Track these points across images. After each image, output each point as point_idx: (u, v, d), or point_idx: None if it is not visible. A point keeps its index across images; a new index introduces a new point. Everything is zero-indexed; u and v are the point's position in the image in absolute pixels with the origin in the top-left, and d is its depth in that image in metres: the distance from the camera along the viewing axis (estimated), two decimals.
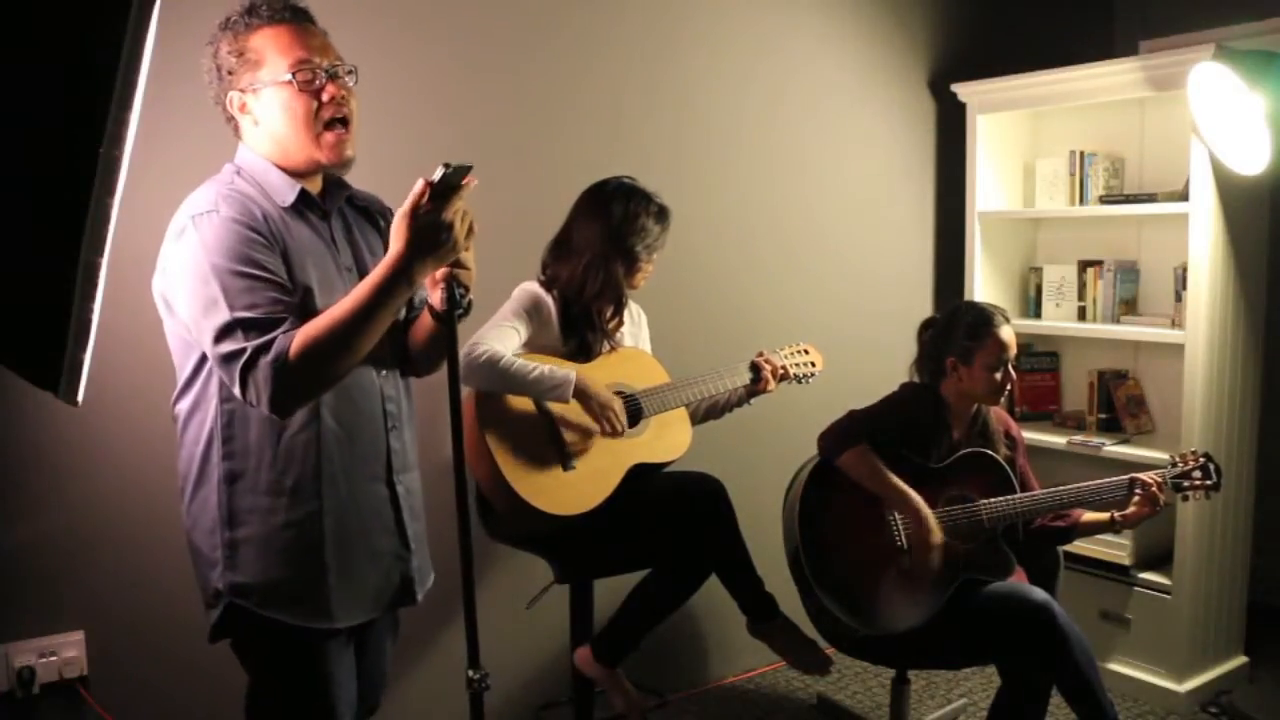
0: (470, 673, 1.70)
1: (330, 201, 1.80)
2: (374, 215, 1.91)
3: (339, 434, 1.72)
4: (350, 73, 1.73)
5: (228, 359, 1.57)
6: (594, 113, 3.08)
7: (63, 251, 1.12)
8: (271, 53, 1.67)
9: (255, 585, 1.70)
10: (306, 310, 1.65)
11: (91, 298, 1.18)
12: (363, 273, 1.76)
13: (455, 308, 1.64)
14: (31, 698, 2.32)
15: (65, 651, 2.36)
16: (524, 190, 2.94)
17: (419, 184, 1.57)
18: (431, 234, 1.57)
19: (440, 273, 1.65)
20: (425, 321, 1.83)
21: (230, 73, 1.69)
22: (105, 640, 2.41)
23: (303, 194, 1.73)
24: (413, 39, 2.76)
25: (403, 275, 1.58)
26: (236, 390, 1.58)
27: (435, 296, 1.69)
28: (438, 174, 1.55)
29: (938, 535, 2.49)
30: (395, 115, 2.73)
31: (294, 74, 1.66)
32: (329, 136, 1.70)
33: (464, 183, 1.59)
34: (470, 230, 1.64)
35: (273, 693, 1.79)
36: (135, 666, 2.44)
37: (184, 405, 1.74)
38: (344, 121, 1.71)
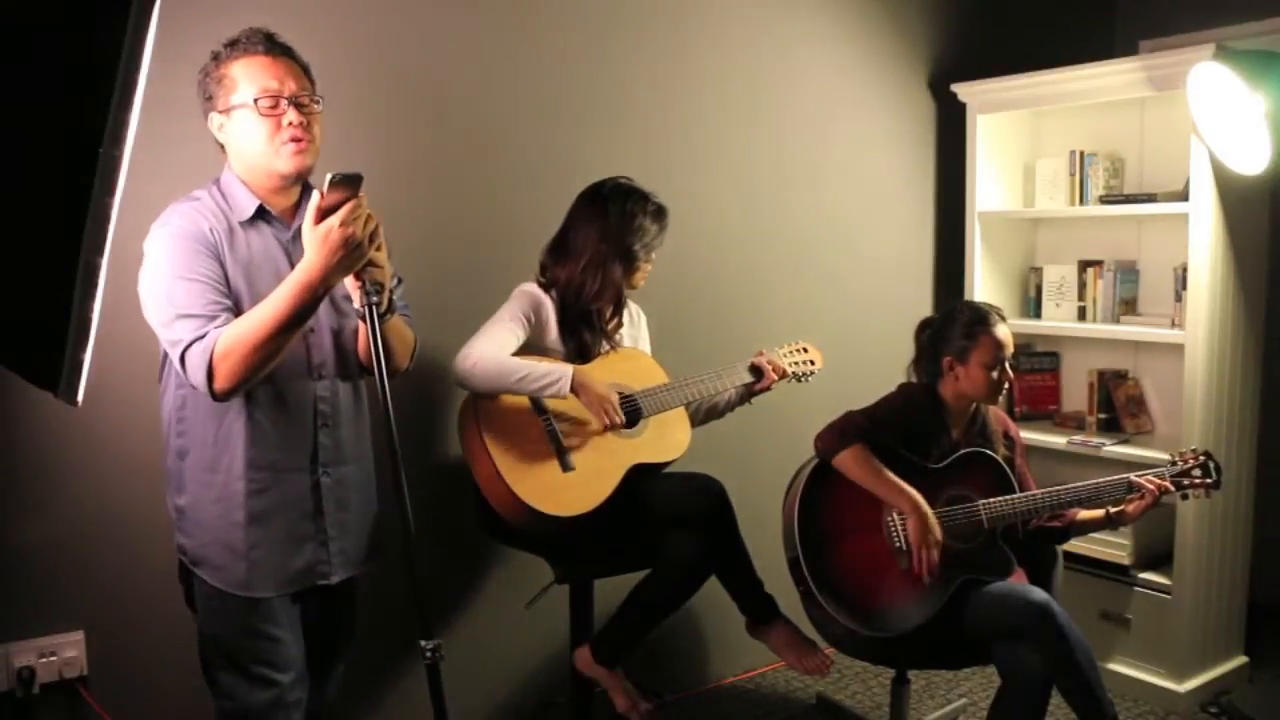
0: (423, 643, 1.78)
1: (297, 214, 1.96)
2: None
3: (266, 427, 1.93)
4: (316, 101, 1.92)
5: (171, 346, 1.83)
6: (594, 113, 3.08)
7: (62, 251, 1.12)
8: (244, 79, 1.87)
9: (189, 548, 1.97)
10: (240, 313, 1.86)
11: (91, 298, 1.18)
12: None
13: (372, 306, 1.81)
14: (31, 698, 2.32)
15: (65, 651, 2.36)
16: (523, 191, 2.94)
17: (314, 196, 1.75)
18: (335, 245, 1.74)
19: (352, 276, 1.81)
20: (392, 322, 1.99)
21: (210, 97, 1.91)
22: (105, 640, 2.41)
23: (260, 209, 1.93)
24: (414, 39, 2.76)
25: (310, 285, 1.77)
26: (181, 374, 1.83)
27: (355, 298, 1.85)
28: (327, 179, 1.71)
29: (938, 533, 2.49)
30: (395, 116, 2.73)
31: (257, 100, 1.85)
32: (288, 147, 1.88)
33: (358, 194, 1.76)
34: (375, 235, 1.80)
35: (211, 641, 1.99)
36: (135, 666, 2.44)
37: (160, 388, 2.01)
38: (300, 142, 1.89)
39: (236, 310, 1.86)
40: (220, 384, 1.79)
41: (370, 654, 2.58)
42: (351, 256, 1.76)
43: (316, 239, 1.74)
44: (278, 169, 1.90)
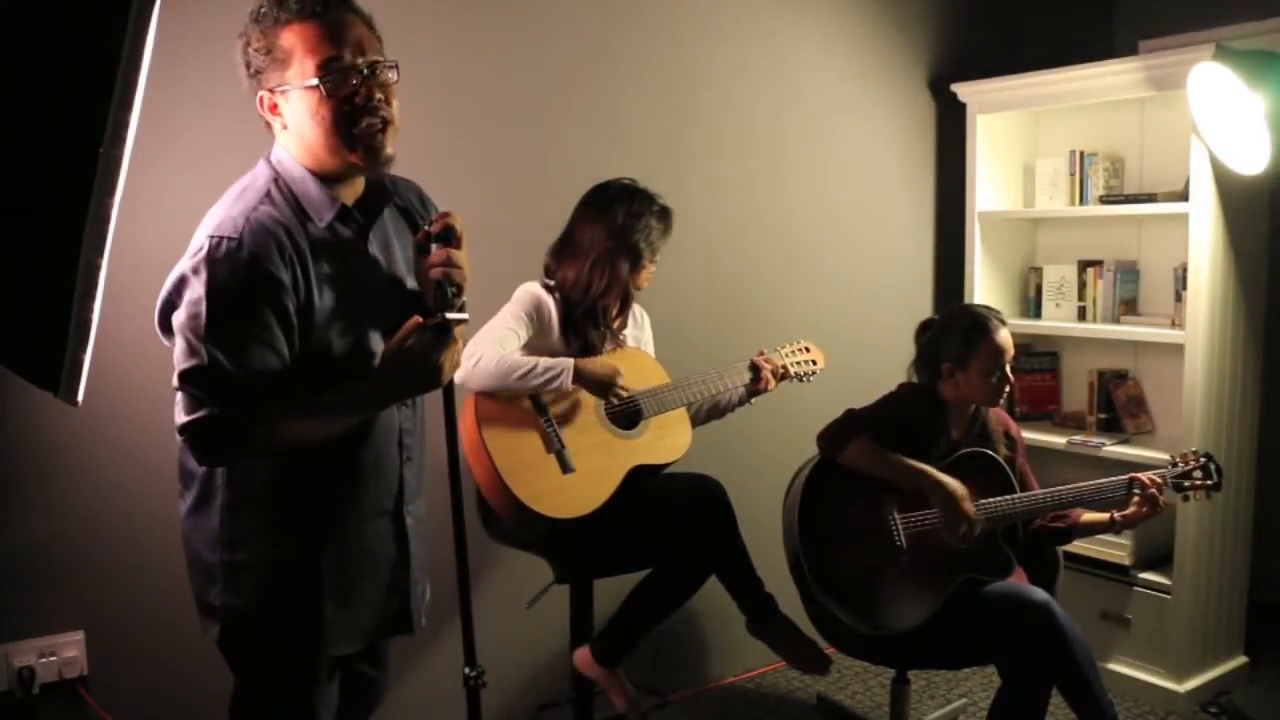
0: (466, 670, 1.73)
1: (370, 211, 1.69)
2: (413, 215, 1.79)
3: (351, 470, 1.68)
4: (391, 68, 1.59)
5: (188, 400, 1.51)
6: (594, 113, 3.08)
7: (63, 251, 1.12)
8: (299, 52, 1.53)
9: (251, 611, 1.67)
10: (335, 342, 1.60)
11: (92, 298, 1.19)
12: (397, 284, 1.71)
13: (447, 309, 1.57)
14: (31, 697, 2.32)
15: (65, 651, 2.36)
16: (525, 192, 2.95)
17: (411, 323, 1.53)
18: (420, 373, 1.55)
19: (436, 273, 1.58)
20: None
21: (259, 71, 1.57)
22: (105, 640, 2.41)
23: (341, 211, 1.63)
24: (415, 40, 2.76)
25: (381, 401, 1.62)
26: (179, 421, 1.52)
27: (430, 299, 1.61)
28: (434, 321, 1.52)
29: (968, 504, 2.49)
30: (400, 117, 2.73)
31: (321, 78, 1.52)
32: (365, 138, 1.56)
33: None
34: (456, 234, 1.60)
35: (255, 703, 1.77)
36: (135, 666, 2.44)
37: (178, 419, 1.61)
38: (382, 122, 1.58)
39: (290, 358, 1.55)
40: (222, 465, 1.60)
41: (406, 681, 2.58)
42: (430, 385, 1.57)
43: (401, 366, 1.53)
44: (350, 161, 1.57)
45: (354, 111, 1.55)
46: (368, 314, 1.65)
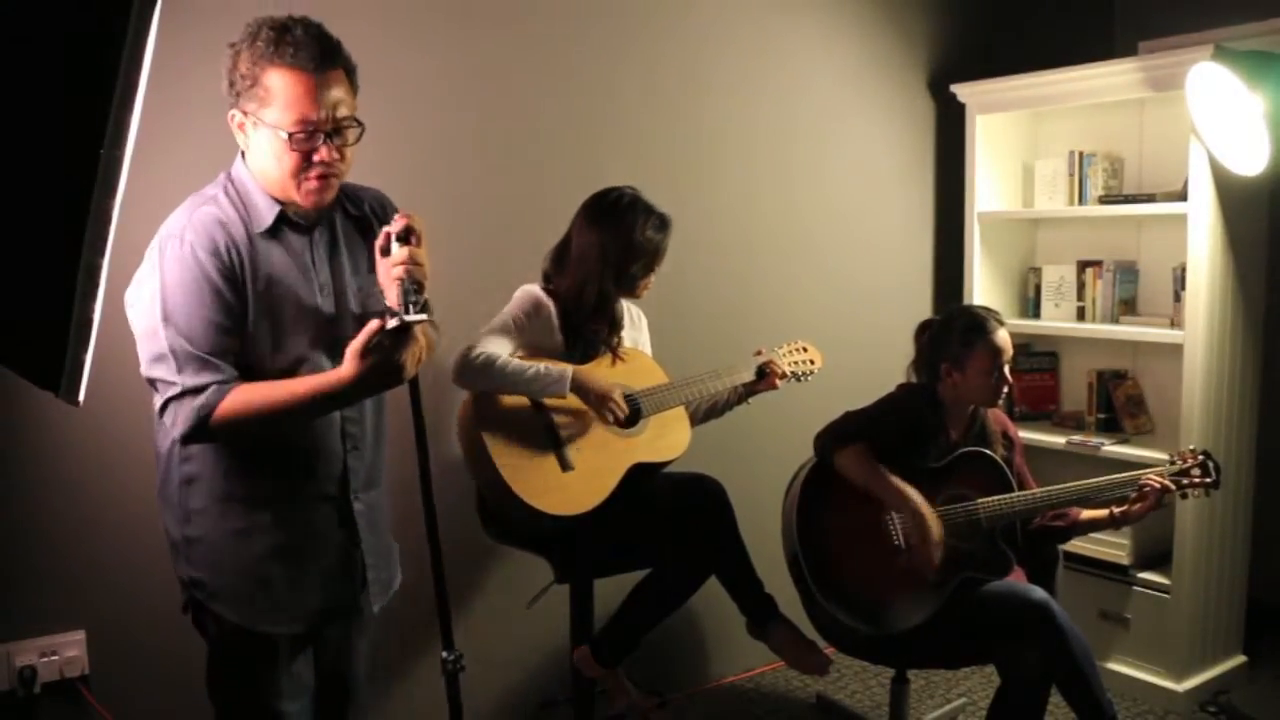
0: (444, 654, 1.76)
1: (315, 219, 1.79)
2: (367, 223, 1.87)
3: (292, 456, 1.78)
4: (355, 128, 1.71)
5: (159, 385, 1.66)
6: (597, 118, 3.08)
7: (63, 252, 1.12)
8: (281, 100, 1.64)
9: (204, 581, 1.80)
10: (262, 341, 1.71)
11: (92, 298, 1.19)
12: (339, 292, 1.80)
13: (410, 306, 1.60)
14: (33, 697, 2.32)
15: (66, 651, 2.36)
16: (527, 192, 2.95)
17: (373, 324, 1.59)
18: (382, 372, 1.62)
19: (388, 272, 1.63)
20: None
21: (239, 93, 1.68)
22: (106, 640, 2.42)
23: (281, 216, 1.74)
24: (415, 41, 2.76)
25: (345, 398, 1.68)
26: (155, 408, 1.68)
27: (391, 295, 1.64)
28: (392, 324, 1.57)
29: (937, 532, 2.49)
30: (396, 117, 2.73)
31: (291, 134, 1.64)
32: (311, 184, 1.69)
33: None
34: (415, 232, 1.65)
35: (222, 671, 1.88)
36: (136, 666, 2.44)
37: (156, 405, 1.75)
38: (330, 176, 1.71)
39: (242, 338, 1.69)
40: (206, 442, 1.69)
41: (391, 670, 2.58)
42: (393, 383, 1.66)
43: (364, 367, 1.60)
44: (294, 198, 1.71)
45: (309, 166, 1.68)
46: (301, 314, 1.75)
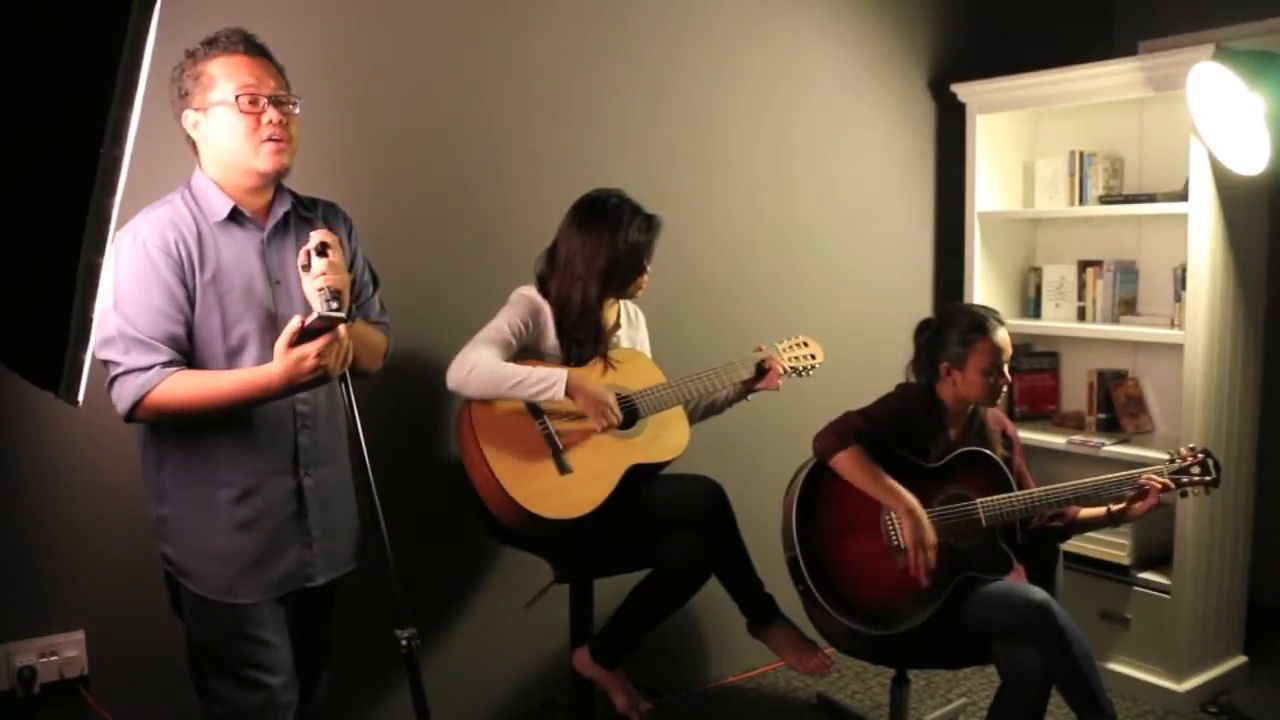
0: (397, 632, 1.79)
1: (271, 215, 1.98)
2: (317, 226, 2.01)
3: (246, 432, 1.93)
4: (293, 102, 1.93)
5: (107, 365, 1.82)
6: (594, 116, 3.08)
7: (63, 251, 1.12)
8: (222, 77, 1.87)
9: (173, 556, 1.97)
10: (211, 326, 1.88)
11: (92, 297, 1.19)
12: (286, 281, 1.97)
13: (332, 314, 1.79)
14: (32, 697, 2.32)
15: (66, 651, 2.36)
16: (522, 195, 2.95)
17: (295, 322, 1.77)
18: (304, 372, 1.79)
19: (311, 282, 1.82)
20: (355, 327, 2.00)
21: (186, 94, 1.90)
22: (106, 640, 2.42)
23: (234, 210, 1.93)
24: (414, 41, 2.76)
25: (268, 391, 1.83)
26: (107, 388, 1.83)
27: (316, 304, 1.82)
28: (311, 318, 1.76)
29: (932, 535, 2.49)
30: (388, 119, 2.73)
31: (237, 96, 1.86)
32: (267, 146, 1.89)
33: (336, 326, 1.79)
34: (330, 247, 1.83)
35: (200, 647, 2.01)
36: (135, 666, 2.44)
37: (105, 384, 1.91)
38: (281, 138, 1.90)
39: (191, 325, 1.87)
40: (137, 419, 1.85)
41: (359, 655, 2.58)
42: (317, 381, 1.82)
43: (289, 361, 1.78)
44: (255, 167, 1.90)
45: (261, 127, 1.88)
46: (249, 301, 1.92)
